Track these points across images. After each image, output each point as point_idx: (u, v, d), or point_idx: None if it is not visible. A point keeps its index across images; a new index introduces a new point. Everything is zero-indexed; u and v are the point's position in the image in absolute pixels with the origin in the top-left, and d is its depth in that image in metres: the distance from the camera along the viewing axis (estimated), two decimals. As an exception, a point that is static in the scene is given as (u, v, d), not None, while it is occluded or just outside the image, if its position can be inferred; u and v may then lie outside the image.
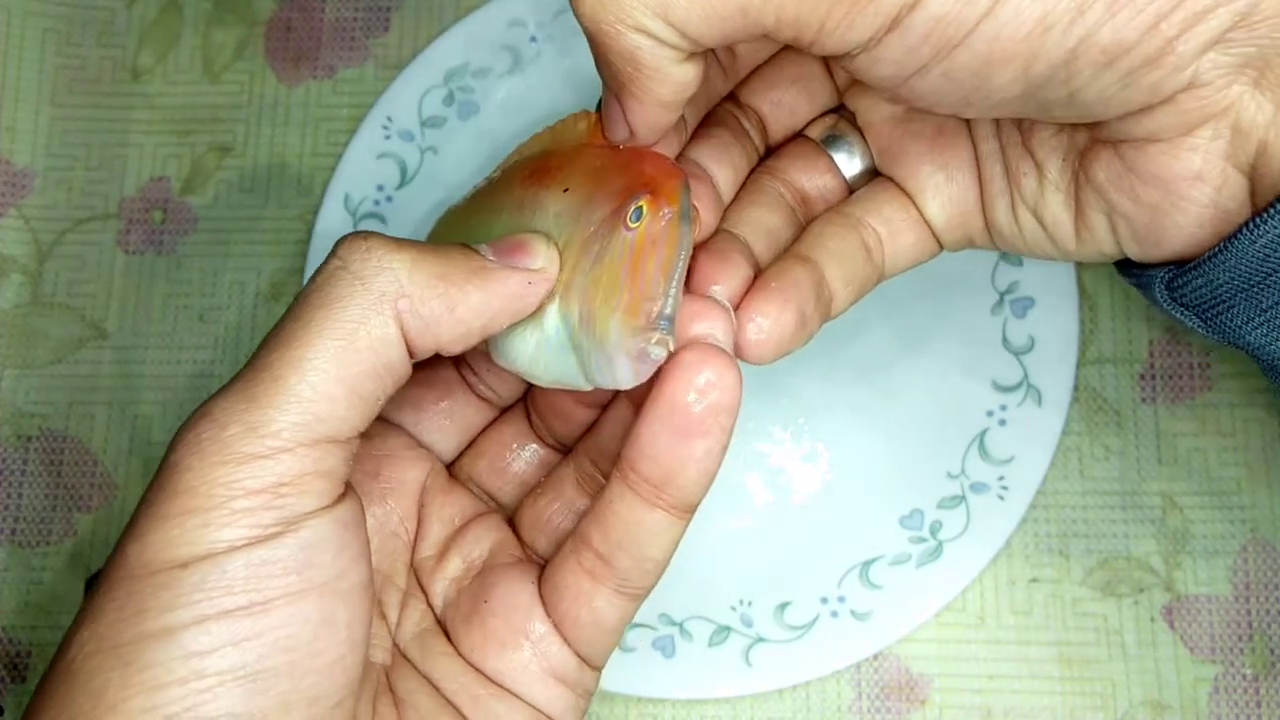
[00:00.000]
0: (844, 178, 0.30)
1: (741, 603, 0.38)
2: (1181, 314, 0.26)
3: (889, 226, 0.29)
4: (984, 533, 0.38)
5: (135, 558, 0.21)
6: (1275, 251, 0.23)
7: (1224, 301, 0.25)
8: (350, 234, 0.23)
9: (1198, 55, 0.21)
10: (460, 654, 0.27)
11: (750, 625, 0.38)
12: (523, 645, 0.26)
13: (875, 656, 0.38)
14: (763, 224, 0.28)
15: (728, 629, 0.38)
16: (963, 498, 0.39)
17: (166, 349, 0.42)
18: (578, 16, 0.23)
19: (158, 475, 0.22)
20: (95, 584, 0.22)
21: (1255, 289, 0.24)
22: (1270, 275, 0.24)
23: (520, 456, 0.30)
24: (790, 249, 0.28)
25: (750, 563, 0.39)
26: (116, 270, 0.43)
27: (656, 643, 0.38)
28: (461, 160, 0.42)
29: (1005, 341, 0.40)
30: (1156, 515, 0.39)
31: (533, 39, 0.43)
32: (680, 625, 0.38)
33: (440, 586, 0.28)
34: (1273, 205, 0.23)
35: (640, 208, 0.24)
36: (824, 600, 0.38)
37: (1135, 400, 0.40)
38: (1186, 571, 0.39)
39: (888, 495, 0.39)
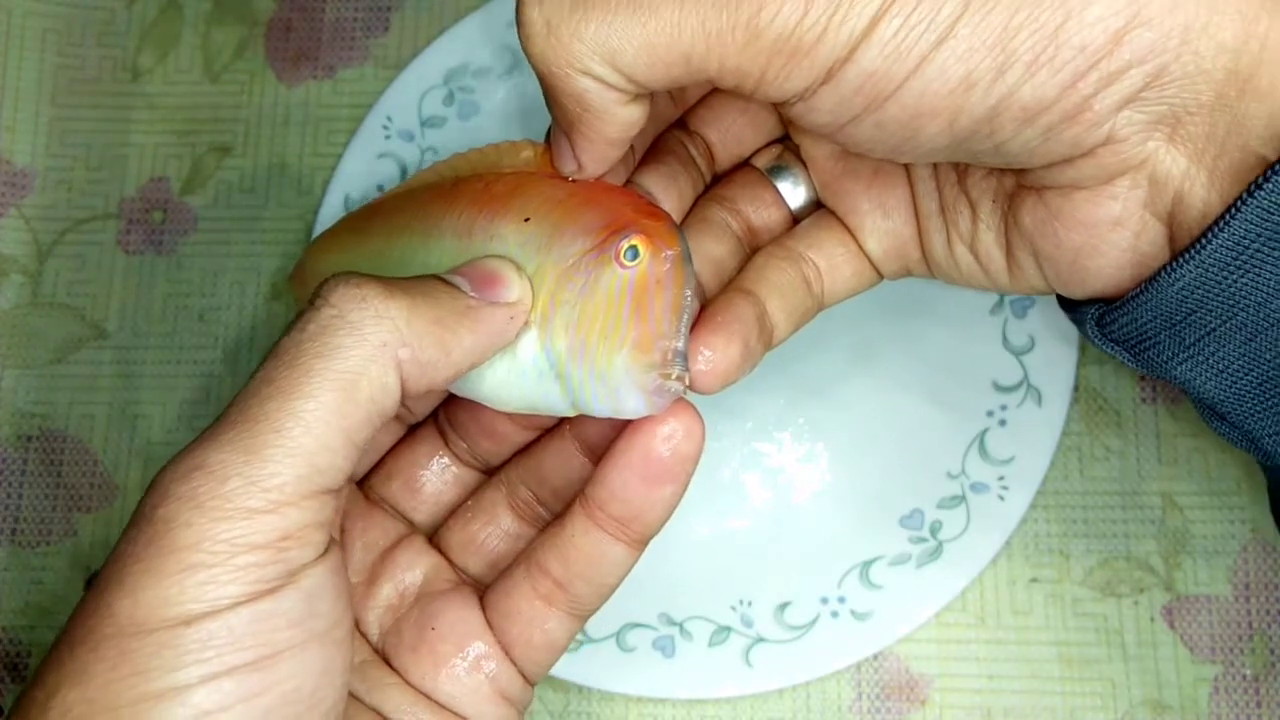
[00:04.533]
0: (788, 208, 0.31)
1: (741, 603, 0.38)
2: (1112, 349, 0.28)
3: (829, 260, 0.30)
4: (984, 533, 0.38)
5: (126, 616, 0.20)
6: (1192, 293, 0.24)
7: (1150, 338, 0.26)
8: (339, 278, 0.23)
9: (1113, 113, 0.23)
10: (409, 683, 0.27)
11: (750, 625, 0.38)
12: (477, 669, 0.27)
13: (875, 656, 0.38)
14: (710, 254, 0.29)
15: (728, 629, 0.38)
16: (963, 498, 0.39)
17: (166, 349, 0.42)
18: (528, 56, 0.24)
19: (144, 526, 0.21)
20: (64, 642, 0.21)
21: (1177, 327, 0.26)
22: (1191, 314, 0.25)
23: (435, 475, 0.30)
24: (734, 282, 0.29)
25: (750, 563, 0.39)
26: (116, 270, 0.43)
27: (656, 643, 0.38)
28: (461, 160, 0.43)
29: (1005, 341, 0.40)
30: (1156, 515, 0.39)
31: (533, 39, 0.43)
32: (680, 625, 0.38)
33: (374, 615, 0.28)
34: (1188, 250, 0.24)
35: (634, 247, 0.25)
36: (824, 600, 0.38)
37: (1135, 400, 0.40)
38: (1186, 571, 0.39)
39: (888, 495, 0.39)
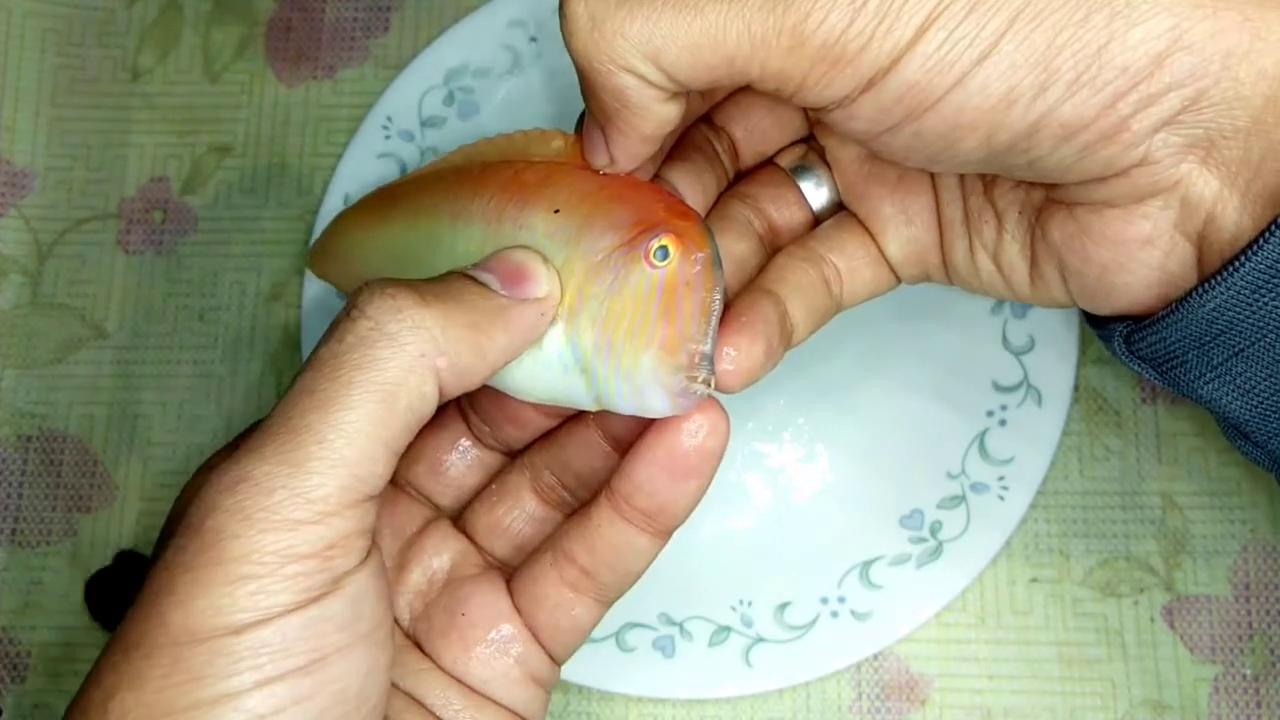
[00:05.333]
0: (811, 208, 0.31)
1: (741, 603, 0.38)
2: (1139, 366, 0.28)
3: (849, 263, 0.30)
4: (984, 533, 0.38)
5: (179, 625, 0.21)
6: (1222, 315, 0.25)
7: (1177, 357, 0.26)
8: (373, 287, 0.23)
9: (1150, 134, 0.23)
10: (442, 667, 0.27)
11: (750, 625, 0.38)
12: (507, 654, 0.27)
13: (875, 656, 0.38)
14: (732, 252, 0.29)
15: (728, 629, 0.38)
16: (963, 498, 0.39)
17: (166, 349, 0.42)
18: (569, 50, 0.24)
19: (193, 537, 0.21)
20: (118, 646, 0.21)
21: (1205, 347, 0.26)
22: (1220, 335, 0.25)
23: (458, 459, 0.30)
24: (756, 281, 0.29)
25: (750, 563, 0.39)
26: (116, 270, 0.43)
27: (656, 643, 0.38)
28: (461, 160, 0.43)
29: (1005, 341, 0.40)
30: (1156, 515, 0.39)
31: (533, 39, 0.43)
32: (680, 625, 0.38)
33: (404, 601, 0.29)
34: (1220, 272, 0.24)
35: (664, 247, 0.25)
36: (824, 600, 0.38)
37: (1135, 400, 0.40)
38: (1186, 571, 0.39)
39: (888, 495, 0.39)
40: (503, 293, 0.24)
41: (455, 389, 0.23)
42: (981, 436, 0.39)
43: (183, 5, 0.45)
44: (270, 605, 0.21)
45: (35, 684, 0.40)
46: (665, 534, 0.27)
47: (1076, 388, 0.40)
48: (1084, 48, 0.22)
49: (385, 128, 0.42)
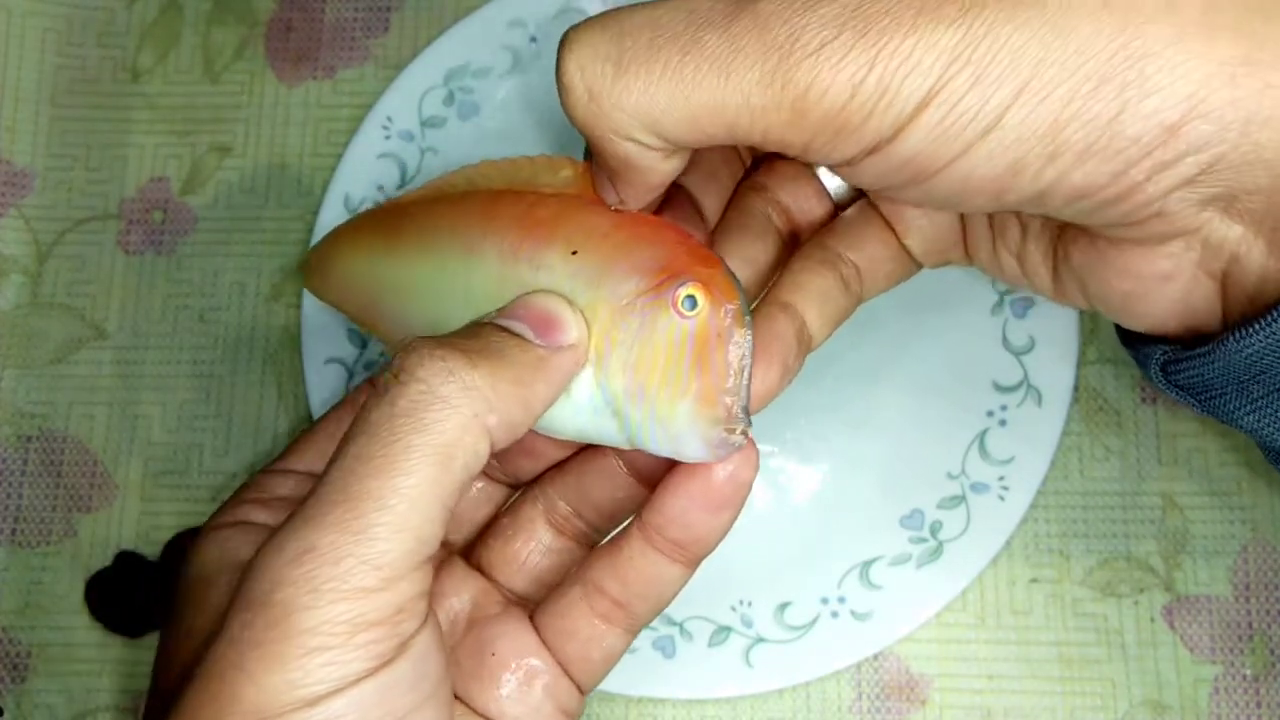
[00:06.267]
0: (830, 198, 0.30)
1: (741, 603, 0.38)
2: (1177, 394, 0.27)
3: (869, 259, 0.30)
4: (984, 533, 0.38)
5: (252, 701, 0.21)
6: (1262, 358, 0.24)
7: (1215, 390, 0.26)
8: (420, 350, 0.23)
9: (1165, 195, 0.23)
10: (475, 710, 0.27)
11: (750, 625, 0.38)
12: (536, 690, 0.27)
13: (875, 656, 0.38)
14: (748, 253, 0.29)
15: (728, 629, 0.38)
16: (963, 498, 0.39)
17: (166, 349, 0.42)
18: (569, 119, 0.24)
19: (260, 611, 0.21)
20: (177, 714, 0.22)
21: (1244, 384, 0.25)
22: (1259, 375, 0.25)
23: (467, 494, 0.30)
24: (772, 293, 0.29)
25: (750, 563, 0.39)
26: (116, 270, 0.43)
27: (656, 643, 0.38)
28: (461, 160, 0.42)
29: (1005, 341, 0.40)
30: (1156, 515, 0.39)
31: (533, 39, 0.43)
32: (680, 625, 0.38)
33: None
34: (1259, 320, 0.24)
35: (692, 296, 0.25)
36: (824, 600, 0.38)
37: (1135, 400, 0.40)
38: (1186, 571, 0.39)
39: (888, 495, 0.39)
40: (538, 343, 0.24)
41: (503, 443, 0.23)
42: (981, 436, 0.39)
43: (183, 5, 0.45)
44: (344, 675, 0.21)
45: (35, 684, 0.40)
46: (697, 563, 0.27)
47: (1076, 388, 0.40)
48: (1094, 119, 0.21)
49: (385, 128, 0.42)
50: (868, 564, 0.38)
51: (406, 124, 0.42)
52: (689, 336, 0.25)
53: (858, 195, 0.30)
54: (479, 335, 0.24)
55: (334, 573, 0.21)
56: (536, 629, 0.28)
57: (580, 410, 0.26)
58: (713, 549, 0.27)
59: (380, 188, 0.42)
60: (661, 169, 0.25)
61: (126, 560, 0.41)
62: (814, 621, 0.38)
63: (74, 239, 0.43)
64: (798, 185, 0.30)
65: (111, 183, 0.44)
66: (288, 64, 0.44)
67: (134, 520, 0.41)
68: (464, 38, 0.43)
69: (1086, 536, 0.39)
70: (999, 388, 0.39)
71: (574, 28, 0.24)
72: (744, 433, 0.25)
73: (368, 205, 0.42)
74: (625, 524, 0.27)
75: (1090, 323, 0.40)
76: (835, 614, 0.38)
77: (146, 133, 0.44)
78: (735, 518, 0.26)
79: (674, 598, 0.28)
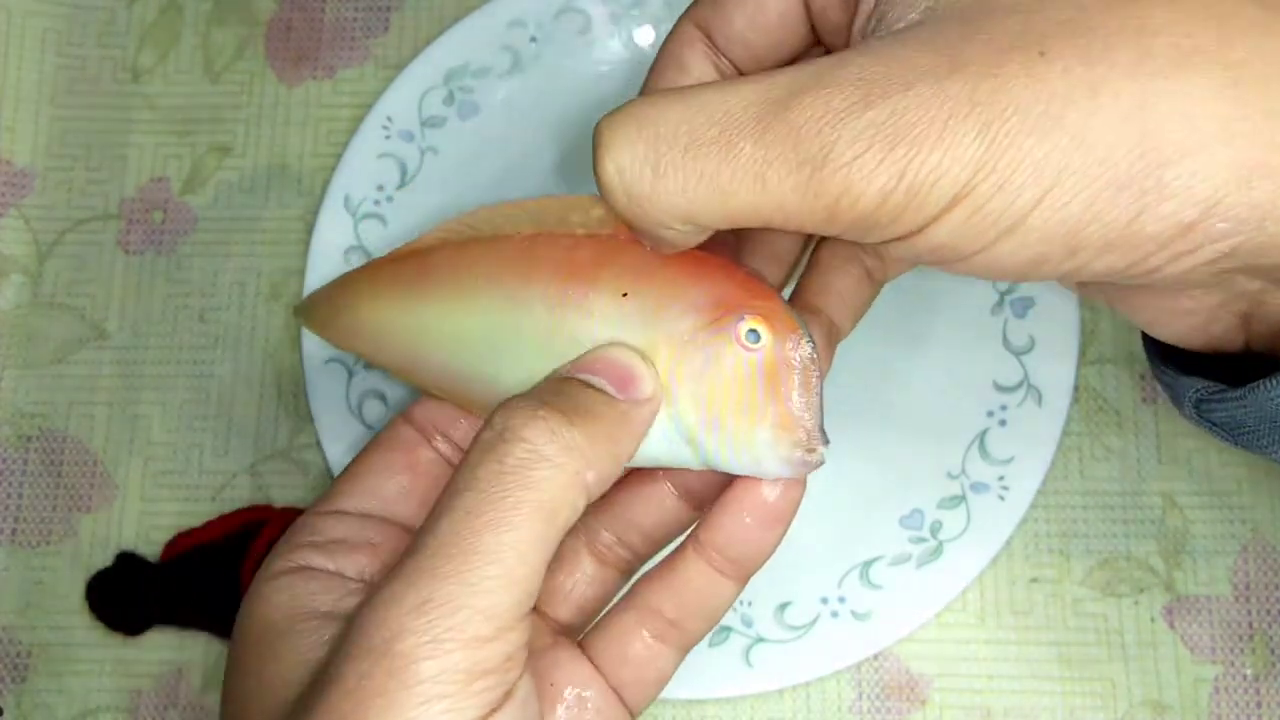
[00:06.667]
0: None
1: (741, 603, 0.38)
2: (1210, 429, 0.28)
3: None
4: (984, 533, 0.38)
5: None
6: None
7: (1248, 429, 0.27)
8: (520, 410, 0.24)
9: (1184, 273, 0.23)
10: None
11: (750, 625, 0.38)
12: (596, 716, 0.28)
13: (875, 656, 0.38)
14: (778, 252, 0.30)
15: (728, 629, 0.38)
16: (963, 498, 0.39)
17: (166, 349, 0.42)
18: (609, 204, 0.25)
19: (380, 660, 0.22)
20: None
21: (1278, 424, 0.26)
22: None
23: None
24: (801, 297, 0.30)
25: (750, 563, 0.39)
26: (116, 270, 0.43)
27: (656, 643, 0.38)
28: (461, 160, 0.42)
29: (1005, 341, 0.40)
30: (1156, 515, 0.39)
31: (533, 39, 0.43)
32: (680, 625, 0.38)
33: None
34: None
35: (755, 330, 0.26)
36: (824, 600, 0.38)
37: (1135, 400, 0.40)
38: (1186, 571, 0.39)
39: (888, 495, 0.39)
40: (620, 398, 0.25)
41: (596, 495, 0.25)
42: (981, 436, 0.39)
43: (183, 5, 0.45)
44: None
45: (35, 684, 0.40)
46: (748, 578, 0.28)
47: (1076, 388, 0.40)
48: (1113, 221, 0.22)
49: (385, 128, 0.42)
50: (868, 564, 0.38)
51: (406, 124, 0.42)
52: (757, 368, 0.26)
53: None
54: (568, 393, 0.25)
55: (451, 623, 0.22)
56: (589, 657, 0.28)
57: (655, 442, 0.27)
58: (760, 565, 0.28)
59: (380, 187, 0.42)
60: (700, 239, 0.26)
61: (126, 560, 0.41)
62: (814, 621, 0.38)
63: (74, 239, 0.43)
64: None
65: (111, 183, 0.44)
66: (288, 64, 0.44)
67: (134, 520, 0.41)
68: (464, 38, 0.43)
69: (1086, 536, 0.39)
70: (999, 387, 0.39)
71: (608, 121, 0.24)
72: (821, 452, 0.26)
73: (367, 205, 0.42)
74: (675, 546, 0.28)
75: (1090, 323, 0.40)
76: (835, 614, 0.38)
77: (146, 133, 0.44)
78: (784, 532, 0.28)
79: (725, 614, 0.29)
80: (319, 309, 0.34)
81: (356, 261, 0.41)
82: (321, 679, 0.23)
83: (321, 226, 0.41)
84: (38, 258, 0.43)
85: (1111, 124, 0.21)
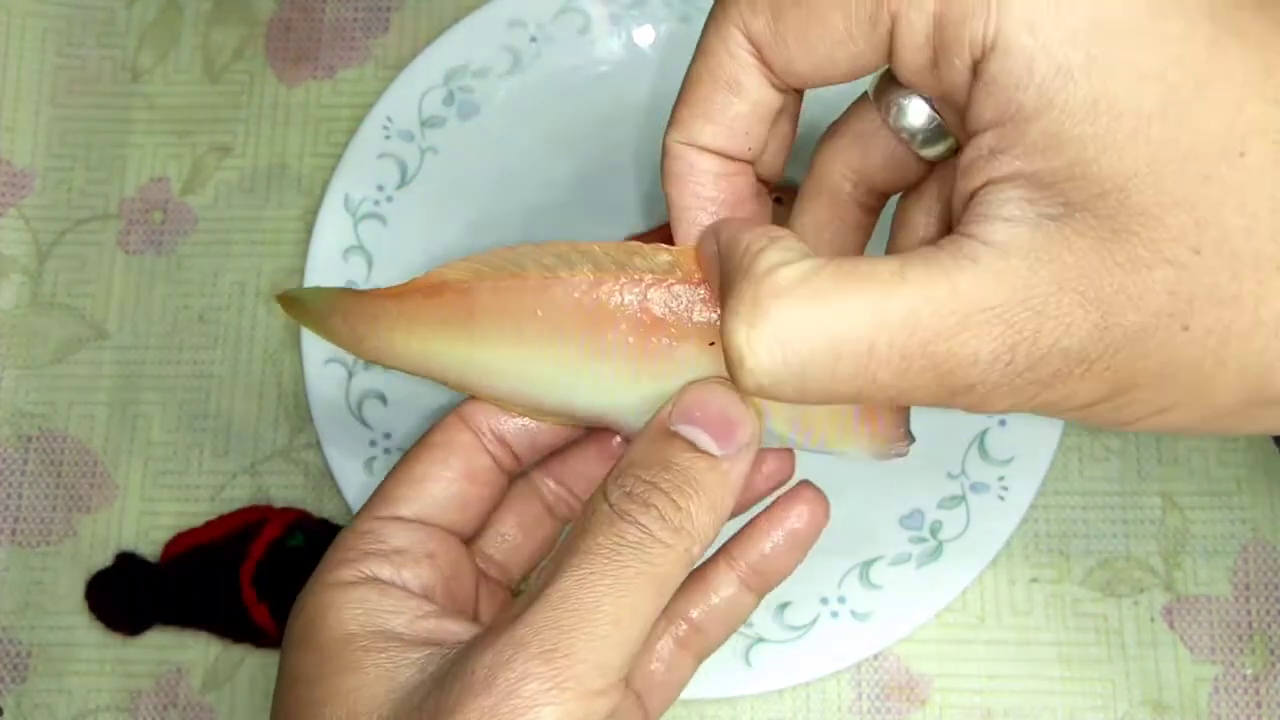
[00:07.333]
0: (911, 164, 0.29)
1: (741, 603, 0.38)
2: None
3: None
4: (984, 533, 0.38)
5: None
6: None
7: None
8: (636, 492, 0.26)
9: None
10: None
11: (750, 625, 0.38)
12: None
13: (875, 656, 0.38)
14: (840, 246, 0.29)
15: (728, 629, 0.38)
16: (963, 498, 0.39)
17: (166, 349, 0.42)
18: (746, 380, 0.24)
19: (503, 699, 0.23)
20: None
21: None
22: None
23: (542, 534, 0.33)
24: None
25: (750, 563, 0.39)
26: (116, 270, 0.43)
27: (656, 643, 0.38)
28: (461, 160, 0.42)
29: (1005, 341, 0.40)
30: (1156, 515, 0.39)
31: (533, 39, 0.43)
32: (680, 625, 0.38)
33: None
34: None
35: None
36: (824, 600, 0.38)
37: (1135, 400, 0.40)
38: (1186, 571, 0.39)
39: (888, 495, 0.39)
40: (719, 453, 0.26)
41: (700, 559, 0.26)
42: (981, 436, 0.39)
43: (183, 5, 0.45)
44: None
45: (35, 684, 0.40)
46: (766, 593, 0.31)
47: (1076, 388, 0.40)
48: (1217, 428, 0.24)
49: (385, 128, 0.42)
50: (868, 564, 0.38)
51: (406, 124, 0.42)
52: None
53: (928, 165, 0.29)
54: (675, 465, 0.26)
55: (572, 673, 0.24)
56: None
57: None
58: (781, 581, 0.31)
59: (380, 187, 0.42)
60: None
61: (126, 560, 0.41)
62: (814, 621, 0.38)
63: (74, 239, 0.43)
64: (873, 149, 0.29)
65: (111, 183, 0.44)
66: (288, 64, 0.44)
67: (134, 520, 0.41)
68: (464, 38, 0.43)
69: (1086, 536, 0.39)
70: (999, 388, 0.39)
71: (743, 327, 0.22)
72: (907, 444, 0.28)
73: (367, 205, 0.42)
74: (708, 559, 0.30)
75: (1090, 323, 0.40)
76: (835, 614, 0.38)
77: (146, 133, 0.44)
78: (806, 554, 0.31)
79: (740, 626, 0.31)
80: (319, 312, 0.33)
81: (356, 261, 0.41)
82: (437, 709, 0.24)
83: (321, 226, 0.41)
84: (38, 258, 0.43)
85: (1232, 388, 0.22)
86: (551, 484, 0.32)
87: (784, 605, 0.38)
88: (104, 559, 0.41)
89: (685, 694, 0.37)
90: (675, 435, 0.26)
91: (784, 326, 0.22)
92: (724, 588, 0.30)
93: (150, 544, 0.41)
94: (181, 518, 0.41)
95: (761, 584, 0.31)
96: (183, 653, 0.40)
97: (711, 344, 0.27)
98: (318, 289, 0.33)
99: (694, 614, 0.30)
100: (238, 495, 0.41)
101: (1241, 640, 0.38)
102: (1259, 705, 0.37)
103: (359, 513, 0.29)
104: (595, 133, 0.43)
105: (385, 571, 0.28)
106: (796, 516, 0.30)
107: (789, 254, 0.23)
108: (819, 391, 0.23)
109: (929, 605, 0.38)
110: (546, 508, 0.32)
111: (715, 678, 0.38)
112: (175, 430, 0.42)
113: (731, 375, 0.23)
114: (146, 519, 0.41)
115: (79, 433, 0.42)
